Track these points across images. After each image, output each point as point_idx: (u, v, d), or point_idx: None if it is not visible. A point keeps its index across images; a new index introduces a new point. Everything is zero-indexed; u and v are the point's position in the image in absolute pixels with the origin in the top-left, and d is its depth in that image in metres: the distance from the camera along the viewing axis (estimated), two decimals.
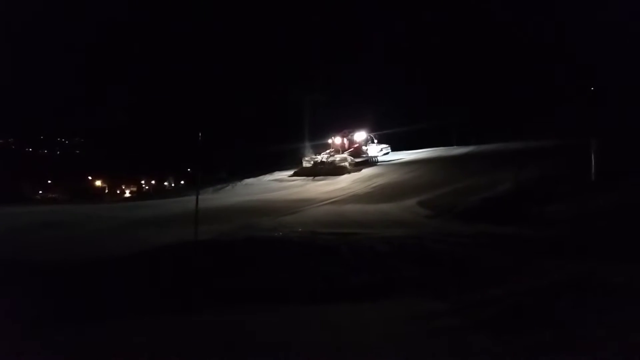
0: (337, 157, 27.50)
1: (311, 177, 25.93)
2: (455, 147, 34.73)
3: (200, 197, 12.68)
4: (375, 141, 30.75)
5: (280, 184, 25.92)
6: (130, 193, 72.87)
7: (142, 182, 79.19)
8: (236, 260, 7.94)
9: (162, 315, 5.35)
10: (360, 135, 29.81)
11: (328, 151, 29.18)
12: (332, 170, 25.96)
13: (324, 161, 27.35)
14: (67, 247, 10.24)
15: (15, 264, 8.13)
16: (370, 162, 28.69)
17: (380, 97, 42.06)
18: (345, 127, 30.62)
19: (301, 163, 28.42)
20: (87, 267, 7.82)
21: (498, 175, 17.20)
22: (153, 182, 77.92)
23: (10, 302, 5.87)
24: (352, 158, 27.55)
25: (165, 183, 73.64)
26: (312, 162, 27.74)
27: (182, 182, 64.00)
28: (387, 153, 31.08)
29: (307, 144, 31.88)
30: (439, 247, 8.64)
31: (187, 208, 14.79)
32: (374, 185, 22.73)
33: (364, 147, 29.42)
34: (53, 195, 56.27)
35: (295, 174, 27.85)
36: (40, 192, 61.04)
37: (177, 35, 78.15)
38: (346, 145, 29.40)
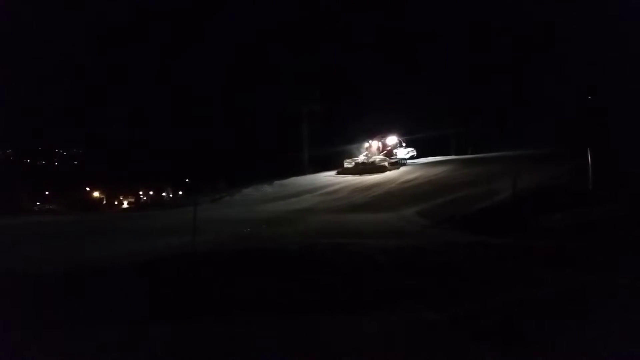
0: (377, 158, 32.08)
1: (358, 174, 30.31)
2: (453, 156, 34.92)
3: (198, 207, 12.72)
4: (404, 145, 34.36)
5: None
6: (128, 204, 72.71)
7: (140, 193, 79.01)
8: (233, 271, 7.92)
9: (160, 324, 5.33)
10: (391, 140, 34.04)
11: (365, 153, 33.32)
12: (375, 168, 30.53)
13: (365, 162, 31.89)
14: (65, 258, 10.21)
15: (10, 274, 8.09)
16: (400, 163, 32.36)
17: (383, 108, 43.10)
18: (377, 133, 34.55)
19: (342, 165, 32.98)
20: (84, 278, 7.81)
21: (496, 185, 17.27)
22: (151, 192, 77.76)
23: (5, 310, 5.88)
24: (388, 159, 32.09)
25: (164, 194, 73.51)
26: (353, 163, 32.22)
27: (180, 192, 63.93)
28: (413, 156, 34.38)
29: (353, 146, 36.02)
30: (437, 257, 8.64)
31: (185, 219, 14.78)
32: (373, 194, 22.77)
33: (394, 150, 33.55)
34: (51, 207, 55.95)
35: (339, 173, 32.35)
36: (38, 203, 60.77)
37: (177, 44, 78.33)
38: (380, 148, 33.60)
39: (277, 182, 31.59)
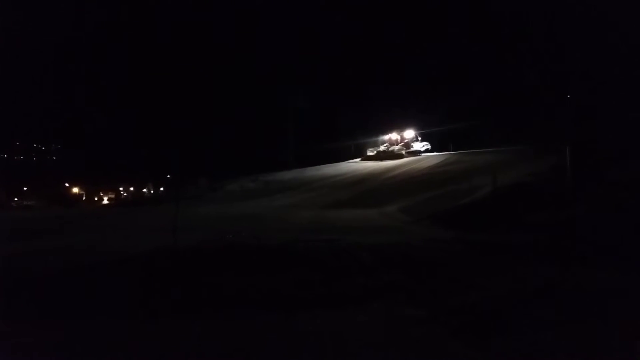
0: (395, 147, 38.51)
1: (379, 160, 36.19)
2: (436, 153, 35.24)
3: (179, 204, 12.60)
4: (419, 138, 39.01)
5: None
6: (108, 200, 71.68)
7: (121, 188, 77.92)
8: (217, 267, 7.86)
9: (143, 320, 5.26)
10: (408, 133, 39.10)
11: (385, 144, 39.91)
12: (394, 156, 36.68)
13: (385, 150, 38.65)
14: (55, 254, 10.04)
15: None
16: (416, 154, 36.98)
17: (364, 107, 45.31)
18: (396, 127, 40.05)
19: (365, 153, 39.86)
20: (64, 275, 7.68)
21: (476, 181, 17.43)
22: (132, 188, 76.76)
23: None
24: (405, 148, 38.16)
25: (144, 190, 72.60)
26: (375, 152, 39.08)
27: (162, 188, 63.23)
28: (428, 149, 38.23)
29: (370, 140, 42.36)
30: (418, 253, 8.70)
31: (166, 216, 14.63)
32: (357, 191, 22.82)
33: (411, 143, 38.59)
34: (29, 203, 54.89)
35: (363, 159, 38.82)
36: (16, 199, 59.54)
37: (160, 39, 77.25)
38: (399, 140, 39.21)
39: (261, 179, 31.47)
